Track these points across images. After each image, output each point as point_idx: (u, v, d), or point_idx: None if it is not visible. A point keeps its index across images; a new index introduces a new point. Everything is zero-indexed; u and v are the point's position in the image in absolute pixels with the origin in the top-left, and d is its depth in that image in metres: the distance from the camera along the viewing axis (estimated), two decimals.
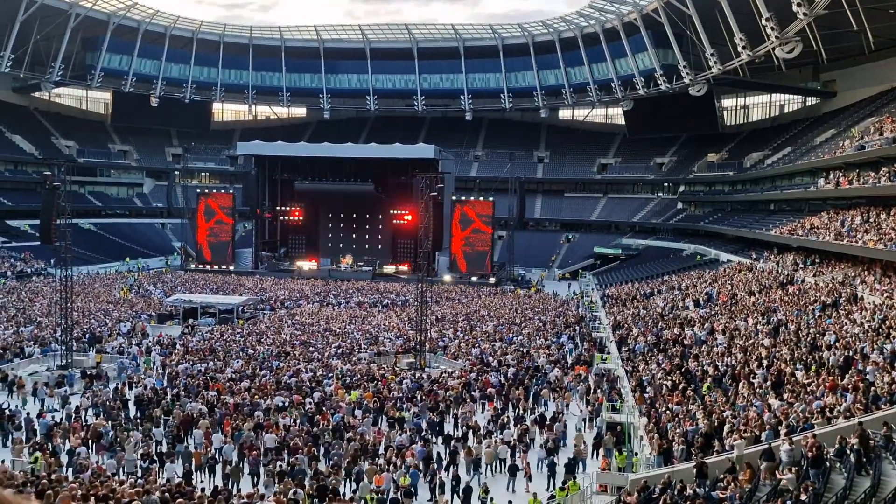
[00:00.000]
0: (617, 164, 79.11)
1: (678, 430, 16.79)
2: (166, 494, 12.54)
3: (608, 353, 29.64)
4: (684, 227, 67.20)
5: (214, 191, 65.02)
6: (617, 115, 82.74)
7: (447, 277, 57.54)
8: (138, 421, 20.35)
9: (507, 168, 67.61)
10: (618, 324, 34.12)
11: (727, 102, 74.75)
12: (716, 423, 16.41)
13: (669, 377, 21.82)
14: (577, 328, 35.55)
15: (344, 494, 15.51)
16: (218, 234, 62.12)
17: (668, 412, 18.45)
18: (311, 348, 30.26)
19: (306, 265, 61.58)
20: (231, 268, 61.12)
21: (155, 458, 17.70)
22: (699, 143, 73.74)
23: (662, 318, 32.88)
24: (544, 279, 63.67)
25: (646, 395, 20.74)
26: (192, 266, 61.87)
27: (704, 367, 22.11)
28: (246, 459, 17.60)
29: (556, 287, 56.44)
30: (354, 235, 64.93)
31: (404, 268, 60.51)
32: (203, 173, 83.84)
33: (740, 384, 19.40)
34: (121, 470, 17.12)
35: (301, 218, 65.70)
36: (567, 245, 74.03)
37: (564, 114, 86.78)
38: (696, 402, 18.78)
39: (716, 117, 71.97)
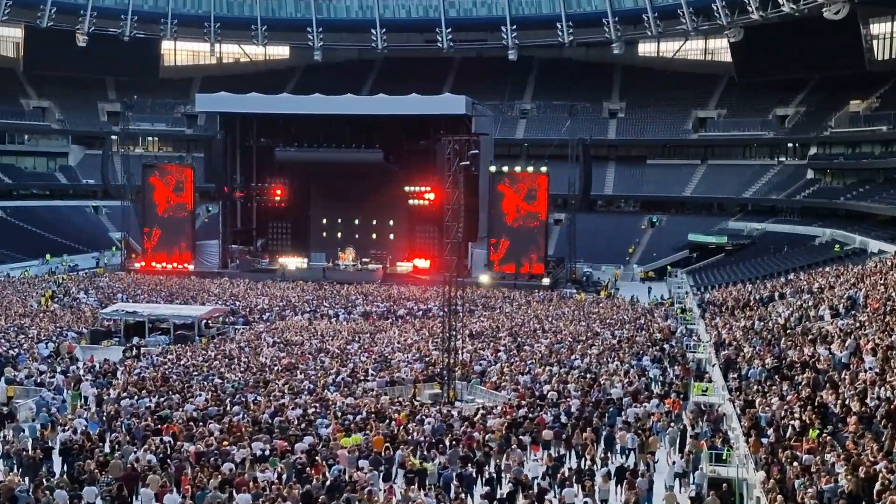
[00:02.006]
0: (721, 119, 78.22)
1: (811, 490, 16.54)
2: None
3: (709, 381, 29.31)
4: (817, 204, 66.24)
5: (167, 162, 65.88)
6: (721, 49, 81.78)
7: (485, 278, 57.58)
8: (65, 477, 20.62)
9: (566, 126, 67.19)
10: (723, 341, 33.73)
11: (878, 29, 73.22)
12: (864, 480, 16.11)
13: (797, 415, 21.51)
14: (666, 347, 35.22)
15: None
16: (172, 221, 62.86)
17: (795, 464, 18.19)
18: (299, 376, 30.40)
19: (292, 262, 61.94)
20: (190, 267, 61.95)
21: None
22: (838, 88, 72.48)
23: (786, 333, 32.41)
24: (619, 279, 63.12)
25: (764, 441, 20.46)
26: (138, 265, 62.79)
27: (846, 402, 21.74)
28: None
29: (635, 290, 56.13)
30: (357, 221, 65.19)
31: (425, 264, 60.71)
32: (150, 138, 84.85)
33: None
34: None
35: (284, 198, 66.08)
36: (650, 232, 73.45)
37: (646, 49, 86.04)
38: (836, 449, 18.49)
39: (861, 51, 70.57)
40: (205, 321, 41.17)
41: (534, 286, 55.99)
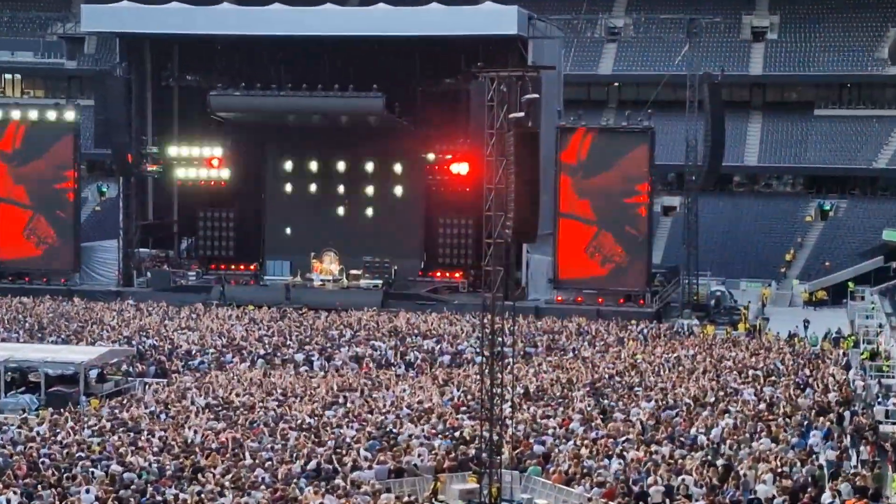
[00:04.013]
0: None
1: None
2: None
3: None
4: None
5: (34, 113, 65.81)
6: None
7: (548, 301, 57.56)
8: None
9: (681, 55, 66.83)
10: None
11: None
12: None
13: None
14: (846, 415, 34.92)
15: None
16: (43, 209, 63.30)
17: None
18: (248, 460, 30.34)
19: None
20: (72, 283, 62.29)
21: None
22: None
23: None
24: (768, 301, 62.78)
25: None
26: None
27: None
28: None
29: (795, 322, 55.70)
30: (343, 210, 65.38)
31: (454, 278, 60.70)
32: (9, 76, 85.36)
33: None
34: None
35: (226, 172, 66.01)
36: (820, 226, 72.84)
37: None
38: None
39: None
40: (96, 370, 41.24)
41: (630, 314, 55.81)
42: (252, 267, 64.54)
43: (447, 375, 42.71)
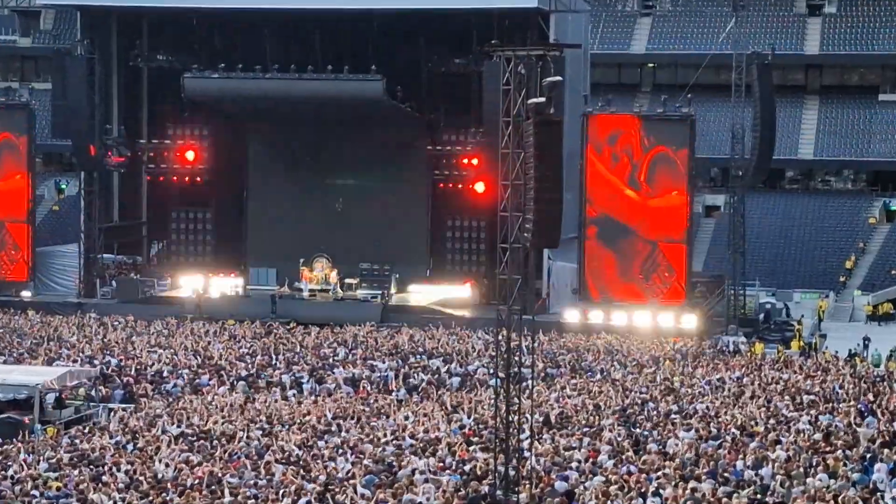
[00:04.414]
0: None
1: None
2: None
3: None
4: None
5: None
6: None
7: (572, 315, 57.79)
8: None
9: (726, 32, 66.91)
10: None
11: None
12: None
13: None
14: None
15: None
16: None
17: None
18: (227, 498, 30.39)
19: (216, 286, 62.10)
20: (26, 294, 62.49)
21: None
22: None
23: None
24: (825, 315, 62.72)
25: None
26: None
27: None
28: None
29: (855, 338, 55.75)
30: (336, 211, 65.34)
31: (464, 289, 60.89)
32: None
33: None
34: None
35: (201, 168, 66.11)
36: (886, 229, 72.75)
37: None
38: None
39: None
40: (53, 394, 41.32)
41: (666, 330, 55.87)
42: (233, 275, 64.51)
43: (456, 401, 42.67)
